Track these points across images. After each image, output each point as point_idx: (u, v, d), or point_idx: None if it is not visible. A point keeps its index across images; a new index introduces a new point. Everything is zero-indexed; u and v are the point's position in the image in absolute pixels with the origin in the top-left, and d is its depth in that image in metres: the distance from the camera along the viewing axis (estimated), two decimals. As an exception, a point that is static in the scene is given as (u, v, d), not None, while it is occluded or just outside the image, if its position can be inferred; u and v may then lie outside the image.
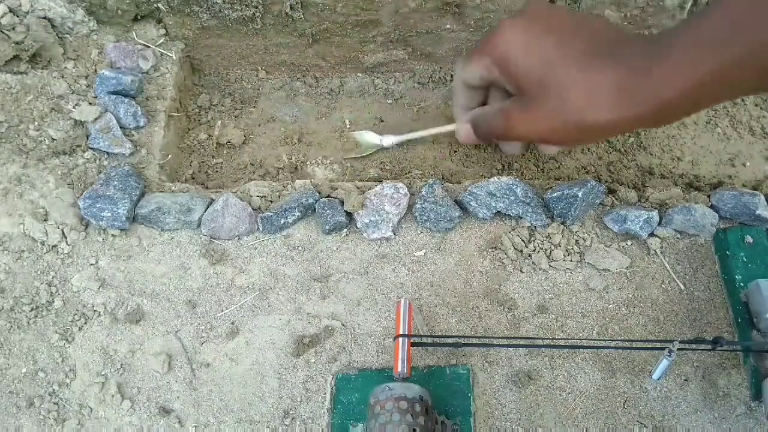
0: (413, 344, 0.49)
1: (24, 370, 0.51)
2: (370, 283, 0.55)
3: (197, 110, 0.70)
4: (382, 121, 0.69)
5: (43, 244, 0.55)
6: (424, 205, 0.55)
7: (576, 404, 0.50)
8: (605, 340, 0.52)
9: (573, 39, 0.45)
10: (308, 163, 0.66)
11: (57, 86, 0.61)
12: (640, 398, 0.50)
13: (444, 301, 0.54)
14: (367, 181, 0.62)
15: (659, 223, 0.56)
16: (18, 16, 0.60)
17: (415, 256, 0.56)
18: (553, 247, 0.55)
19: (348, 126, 0.69)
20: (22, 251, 0.55)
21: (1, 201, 0.56)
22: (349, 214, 0.56)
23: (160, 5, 0.63)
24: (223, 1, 0.61)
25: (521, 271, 0.55)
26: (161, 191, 0.58)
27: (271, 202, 0.58)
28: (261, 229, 0.57)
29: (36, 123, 0.59)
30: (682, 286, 0.54)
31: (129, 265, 0.56)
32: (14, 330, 0.53)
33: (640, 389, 0.50)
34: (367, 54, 0.69)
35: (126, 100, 0.61)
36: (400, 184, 0.57)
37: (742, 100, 0.68)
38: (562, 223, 0.56)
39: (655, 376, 0.48)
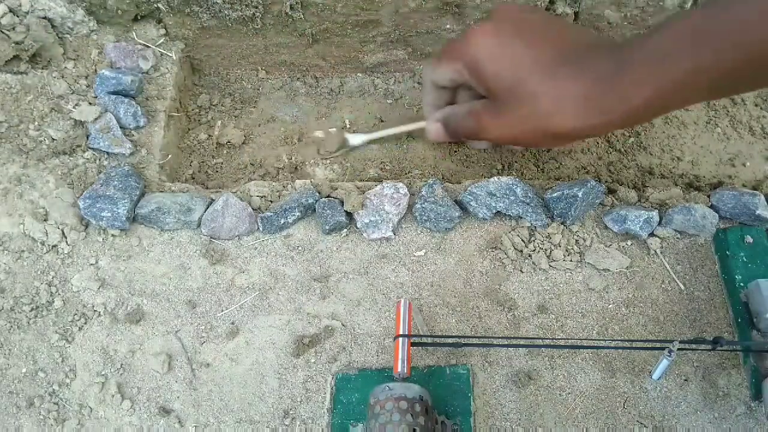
0: (413, 344, 0.49)
1: (24, 370, 0.51)
2: (370, 283, 0.55)
3: (197, 110, 0.70)
4: (382, 121, 0.69)
5: (43, 244, 0.55)
6: (424, 205, 0.55)
7: (576, 404, 0.50)
8: (605, 340, 0.52)
9: (543, 44, 0.46)
10: (308, 163, 0.66)
11: (57, 86, 0.61)
12: (640, 398, 0.50)
13: (444, 301, 0.54)
14: (367, 181, 0.62)
15: (659, 223, 0.56)
16: (18, 16, 0.60)
17: (415, 256, 0.56)
18: (553, 247, 0.55)
19: (348, 126, 0.69)
20: (22, 251, 0.55)
21: (1, 201, 0.56)
22: (349, 214, 0.56)
23: (160, 5, 0.63)
24: (223, 1, 0.61)
25: (521, 271, 0.55)
26: (161, 191, 0.58)
27: (271, 202, 0.58)
28: (261, 229, 0.57)
29: (36, 123, 0.59)
30: (682, 286, 0.54)
31: (129, 265, 0.56)
32: (14, 330, 0.53)
33: (640, 389, 0.50)
34: (367, 54, 0.69)
35: (126, 100, 0.61)
36: (400, 184, 0.57)
37: (742, 100, 0.68)
38: (562, 223, 0.56)
39: (655, 376, 0.48)
